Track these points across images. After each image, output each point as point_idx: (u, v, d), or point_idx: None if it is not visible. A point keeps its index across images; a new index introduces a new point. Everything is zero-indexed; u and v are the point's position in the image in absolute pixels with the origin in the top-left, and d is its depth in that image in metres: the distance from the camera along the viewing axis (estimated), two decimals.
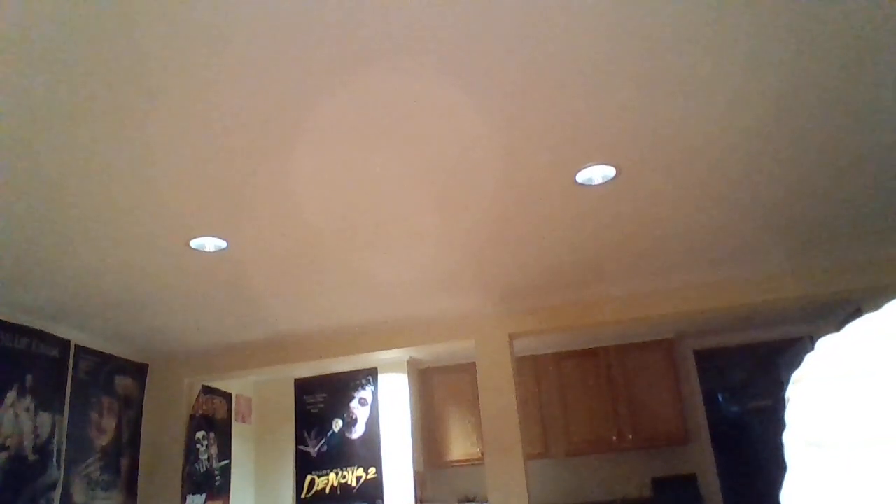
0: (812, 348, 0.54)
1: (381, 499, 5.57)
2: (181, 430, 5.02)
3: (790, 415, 0.52)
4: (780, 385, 6.76)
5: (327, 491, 5.73)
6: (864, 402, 0.46)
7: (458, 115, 2.34)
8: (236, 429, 5.81)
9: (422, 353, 5.66)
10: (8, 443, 3.73)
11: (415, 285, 4.10)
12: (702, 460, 5.87)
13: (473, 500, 5.94)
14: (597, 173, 2.84)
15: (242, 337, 4.81)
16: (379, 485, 5.61)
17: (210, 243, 3.21)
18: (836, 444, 0.46)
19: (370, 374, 5.88)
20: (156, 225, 2.98)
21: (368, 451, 5.71)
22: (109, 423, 4.63)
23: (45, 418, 4.02)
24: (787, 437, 0.51)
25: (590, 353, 6.02)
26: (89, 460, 4.37)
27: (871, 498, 0.43)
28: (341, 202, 2.93)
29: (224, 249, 3.29)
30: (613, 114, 2.40)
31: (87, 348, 4.47)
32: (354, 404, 5.88)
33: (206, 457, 5.27)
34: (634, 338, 5.95)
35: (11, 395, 3.79)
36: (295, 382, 6.09)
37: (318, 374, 5.94)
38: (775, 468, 6.77)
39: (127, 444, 4.78)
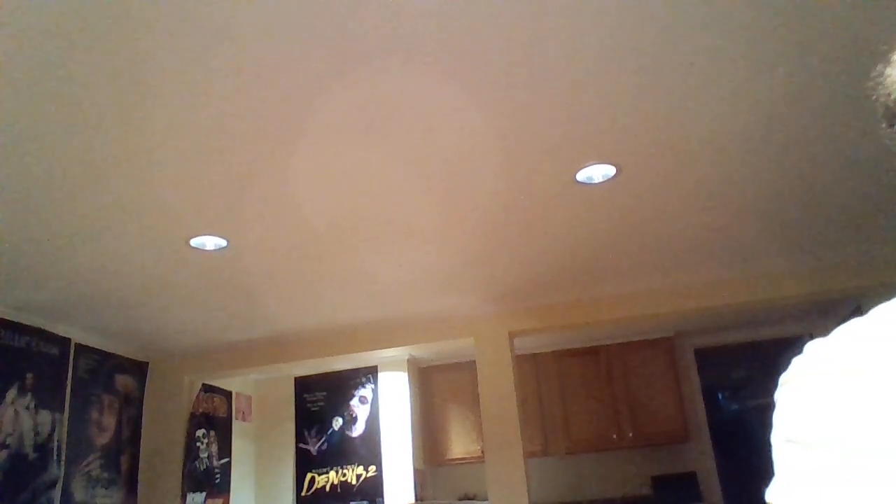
0: None
1: (382, 497, 5.57)
2: (181, 428, 5.03)
3: (775, 416, 0.52)
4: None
5: (327, 489, 5.74)
6: (842, 400, 0.47)
7: (458, 115, 2.34)
8: (236, 427, 5.82)
9: (422, 351, 5.66)
10: (8, 441, 3.73)
11: (415, 283, 4.10)
12: (702, 458, 5.87)
13: (473, 498, 5.94)
14: (597, 172, 2.84)
15: (242, 335, 4.81)
16: (379, 483, 5.61)
17: (210, 242, 3.21)
18: (811, 443, 0.47)
19: (370, 373, 5.88)
20: (156, 223, 2.98)
21: (368, 449, 5.72)
22: (110, 421, 4.63)
23: (45, 416, 4.02)
24: (773, 438, 0.52)
25: (590, 352, 6.02)
26: (89, 458, 4.38)
27: (852, 496, 0.43)
28: (341, 201, 2.93)
29: (224, 248, 3.29)
30: (613, 113, 2.40)
31: (88, 346, 4.48)
32: (354, 402, 5.88)
33: (206, 455, 5.28)
34: (634, 336, 5.95)
35: (12, 394, 3.80)
36: (295, 380, 6.09)
37: (318, 372, 5.94)
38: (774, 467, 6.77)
39: (127, 442, 4.79)
